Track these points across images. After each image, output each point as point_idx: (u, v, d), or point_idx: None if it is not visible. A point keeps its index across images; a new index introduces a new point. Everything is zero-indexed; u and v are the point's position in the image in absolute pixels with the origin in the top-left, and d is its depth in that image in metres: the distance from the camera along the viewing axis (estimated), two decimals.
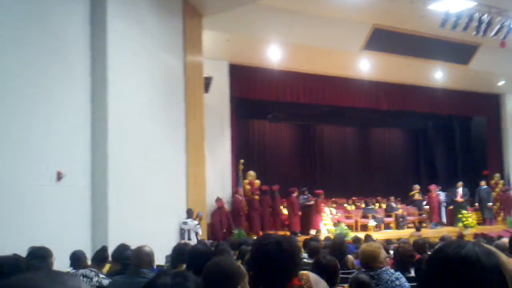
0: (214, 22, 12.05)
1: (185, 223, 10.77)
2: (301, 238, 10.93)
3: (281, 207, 15.81)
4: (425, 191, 18.77)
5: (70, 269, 5.32)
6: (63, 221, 7.95)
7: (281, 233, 13.58)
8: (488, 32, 12.65)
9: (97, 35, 9.15)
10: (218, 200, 13.53)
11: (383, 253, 4.27)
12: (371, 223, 16.67)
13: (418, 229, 11.76)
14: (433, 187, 18.23)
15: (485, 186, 18.34)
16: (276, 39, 13.42)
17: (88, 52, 9.03)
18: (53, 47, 8.33)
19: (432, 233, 15.33)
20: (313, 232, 14.50)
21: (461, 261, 1.09)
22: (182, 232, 10.79)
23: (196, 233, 10.87)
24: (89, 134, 8.83)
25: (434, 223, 17.50)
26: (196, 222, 10.96)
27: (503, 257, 1.11)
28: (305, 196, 16.00)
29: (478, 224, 17.28)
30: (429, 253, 6.55)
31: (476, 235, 12.00)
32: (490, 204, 18.25)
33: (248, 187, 14.91)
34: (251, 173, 15.39)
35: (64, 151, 8.26)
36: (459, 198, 17.69)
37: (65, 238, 7.43)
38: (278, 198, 15.52)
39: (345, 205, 18.66)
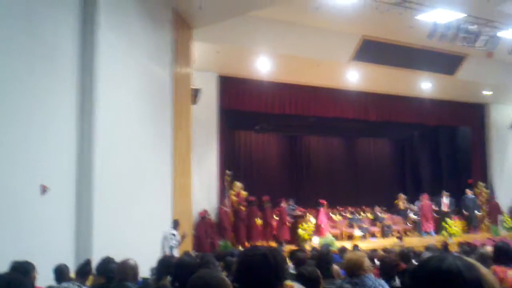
0: (204, 33, 12.07)
1: (174, 234, 10.68)
2: (288, 248, 10.93)
3: (274, 216, 15.94)
4: (414, 200, 18.87)
5: (53, 283, 5.25)
6: (47, 234, 7.84)
7: (271, 243, 13.63)
8: (475, 43, 12.81)
9: (86, 46, 9.11)
10: (202, 211, 13.54)
11: (367, 261, 4.32)
12: (357, 232, 16.71)
13: (400, 239, 11.78)
14: (424, 196, 18.36)
15: (471, 195, 18.51)
16: (266, 50, 13.46)
17: (77, 63, 8.97)
18: (42, 56, 8.26)
19: (416, 242, 15.41)
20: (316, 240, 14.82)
21: (443, 275, 1.11)
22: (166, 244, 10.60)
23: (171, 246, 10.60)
24: (75, 146, 8.75)
25: (424, 232, 17.57)
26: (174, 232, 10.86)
27: (483, 269, 1.13)
28: (292, 207, 16.10)
29: (463, 232, 17.40)
30: (414, 262, 6.59)
31: (460, 244, 12.06)
32: (477, 212, 18.42)
33: (234, 198, 14.89)
34: (238, 184, 15.37)
35: (49, 164, 8.16)
36: (444, 208, 17.82)
37: (49, 252, 7.33)
38: (268, 208, 15.57)
39: (331, 214, 18.70)
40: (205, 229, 13.42)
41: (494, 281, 1.11)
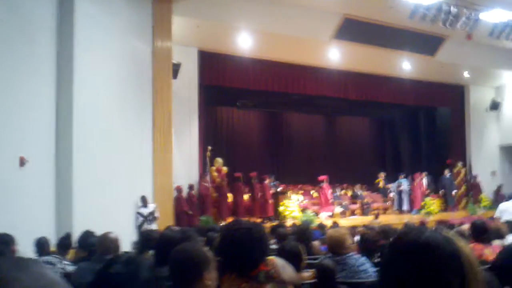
0: (184, 7, 11.89)
1: (140, 213, 10.80)
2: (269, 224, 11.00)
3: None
4: (396, 179, 19.06)
5: (33, 256, 5.23)
6: (26, 207, 7.78)
7: (256, 220, 13.71)
8: (455, 24, 12.86)
9: (64, 18, 8.94)
10: (177, 187, 13.57)
11: (349, 239, 4.34)
12: (337, 209, 16.88)
13: (376, 217, 11.93)
14: (417, 175, 18.60)
15: (449, 175, 18.79)
16: (247, 26, 13.33)
17: (54, 35, 8.83)
18: (19, 28, 8.10)
19: (394, 219, 15.66)
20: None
21: (422, 246, 1.11)
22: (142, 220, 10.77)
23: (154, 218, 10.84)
24: (53, 118, 8.65)
25: (415, 210, 17.85)
26: (154, 205, 10.96)
27: (460, 242, 1.14)
28: (274, 183, 16.22)
29: (441, 211, 17.70)
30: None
31: (438, 222, 12.29)
32: (454, 191, 18.74)
33: (215, 174, 14.88)
34: (219, 160, 15.36)
35: (28, 136, 8.07)
36: (423, 189, 18.12)
37: (28, 225, 7.28)
38: (256, 184, 15.66)
39: (312, 192, 18.86)
40: (181, 204, 13.40)
41: (471, 254, 1.13)
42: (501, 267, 2.18)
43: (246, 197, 15.88)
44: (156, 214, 10.86)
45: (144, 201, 10.79)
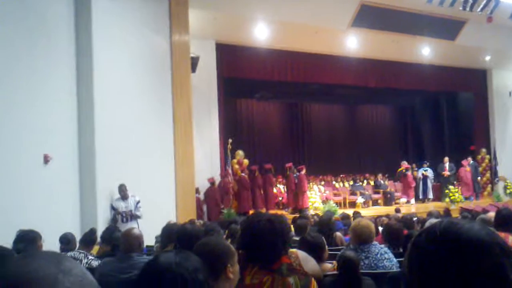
0: (200, 0, 11.91)
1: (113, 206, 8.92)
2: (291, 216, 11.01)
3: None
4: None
5: (59, 251, 5.30)
6: (51, 204, 7.90)
7: (280, 212, 13.74)
8: (475, 7, 12.62)
9: (81, 14, 9.02)
10: (210, 177, 13.66)
11: (373, 229, 4.31)
12: (359, 200, 16.81)
13: (397, 211, 11.80)
14: (465, 162, 18.29)
15: (472, 161, 18.52)
16: (263, 17, 13.29)
17: (72, 32, 8.91)
18: (36, 26, 8.18)
19: (418, 208, 15.55)
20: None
21: (482, 242, 1.05)
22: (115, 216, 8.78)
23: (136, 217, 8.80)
24: (75, 115, 8.75)
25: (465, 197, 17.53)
26: (137, 199, 8.96)
27: (499, 236, 1.09)
28: (295, 175, 16.17)
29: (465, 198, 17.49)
30: (418, 229, 6.61)
31: (462, 210, 12.11)
32: (479, 178, 18.48)
33: (236, 166, 14.92)
34: (240, 152, 15.39)
35: (50, 134, 8.18)
36: (446, 172, 17.86)
37: (54, 221, 7.40)
38: (292, 176, 15.50)
39: (334, 182, 18.79)
40: (214, 196, 13.52)
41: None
42: None
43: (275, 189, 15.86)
44: (138, 212, 8.87)
45: (122, 192, 8.87)
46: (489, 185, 19.21)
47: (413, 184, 17.85)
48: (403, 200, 17.49)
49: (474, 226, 1.08)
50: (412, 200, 17.61)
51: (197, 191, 12.79)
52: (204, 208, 13.81)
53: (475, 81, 19.72)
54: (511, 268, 1.02)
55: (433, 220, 6.10)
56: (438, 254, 1.06)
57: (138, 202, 8.89)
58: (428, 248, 1.09)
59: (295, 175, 15.41)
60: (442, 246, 1.06)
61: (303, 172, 15.43)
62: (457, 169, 18.23)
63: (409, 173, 17.90)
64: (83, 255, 4.94)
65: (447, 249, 1.05)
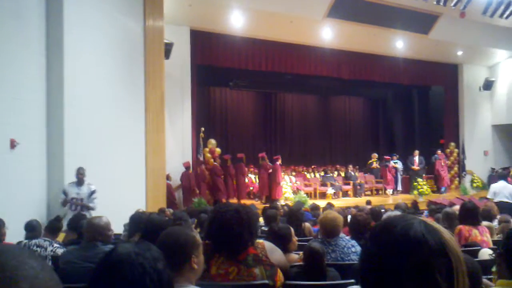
0: None
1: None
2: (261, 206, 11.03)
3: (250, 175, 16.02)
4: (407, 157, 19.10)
5: (24, 239, 5.20)
6: (17, 190, 7.73)
7: (251, 202, 13.74)
8: (449, 2, 12.75)
9: None
10: (185, 163, 13.58)
11: (341, 222, 4.33)
12: (330, 191, 16.93)
13: (368, 203, 11.95)
14: (441, 154, 18.86)
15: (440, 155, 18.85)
16: (238, 5, 13.20)
17: (43, 14, 8.66)
18: (6, 7, 7.93)
19: (386, 200, 15.79)
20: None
21: (409, 241, 1.10)
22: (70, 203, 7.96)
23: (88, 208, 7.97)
24: (44, 99, 8.55)
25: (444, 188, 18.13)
26: (93, 188, 8.14)
27: (446, 234, 1.13)
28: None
29: (432, 191, 17.81)
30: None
31: (429, 203, 12.34)
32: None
33: (208, 155, 14.86)
34: (212, 141, 15.33)
35: (18, 118, 7.97)
36: (415, 166, 18.14)
37: (19, 208, 7.25)
38: (265, 164, 15.49)
39: (305, 173, 18.90)
40: (189, 180, 13.47)
41: (456, 247, 1.12)
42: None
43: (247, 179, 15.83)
44: (92, 204, 8.05)
45: (79, 175, 8.07)
46: (457, 179, 19.57)
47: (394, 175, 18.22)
48: (389, 191, 17.82)
49: (411, 226, 1.13)
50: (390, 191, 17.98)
51: (168, 177, 12.69)
52: (176, 194, 13.74)
53: (446, 76, 20.01)
54: (441, 268, 1.08)
55: (390, 213, 6.19)
56: (374, 252, 1.14)
57: (93, 192, 8.09)
58: (368, 246, 1.18)
59: (271, 164, 15.41)
60: (377, 244, 1.14)
61: (279, 162, 15.45)
62: (426, 163, 18.54)
63: (390, 164, 18.20)
64: (48, 242, 4.85)
65: (381, 248, 1.12)
